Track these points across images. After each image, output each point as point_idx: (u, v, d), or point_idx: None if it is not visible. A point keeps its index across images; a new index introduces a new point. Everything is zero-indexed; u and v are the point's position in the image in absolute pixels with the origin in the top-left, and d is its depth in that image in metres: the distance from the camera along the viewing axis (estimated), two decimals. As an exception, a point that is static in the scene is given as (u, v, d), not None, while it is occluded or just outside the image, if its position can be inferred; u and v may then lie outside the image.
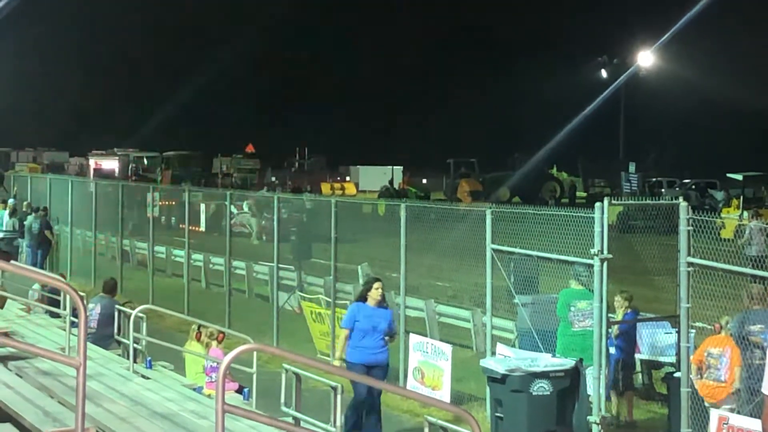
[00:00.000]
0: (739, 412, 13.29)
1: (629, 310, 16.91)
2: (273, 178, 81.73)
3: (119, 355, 16.51)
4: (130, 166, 75.44)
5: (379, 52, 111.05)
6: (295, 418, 12.24)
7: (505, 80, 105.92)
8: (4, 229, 33.48)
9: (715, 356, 14.11)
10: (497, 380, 14.71)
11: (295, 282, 26.46)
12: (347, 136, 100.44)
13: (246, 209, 44.44)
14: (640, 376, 18.31)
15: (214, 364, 15.20)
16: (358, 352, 15.24)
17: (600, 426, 14.71)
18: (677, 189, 62.34)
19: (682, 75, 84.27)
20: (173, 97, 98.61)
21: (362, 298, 15.60)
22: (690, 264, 13.52)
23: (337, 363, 15.16)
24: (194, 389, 14.64)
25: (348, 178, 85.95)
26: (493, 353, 16.66)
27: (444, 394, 17.04)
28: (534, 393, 14.48)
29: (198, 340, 16.78)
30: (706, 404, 13.88)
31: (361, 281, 25.71)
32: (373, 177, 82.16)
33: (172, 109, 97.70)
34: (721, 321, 14.32)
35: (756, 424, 11.92)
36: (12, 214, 33.67)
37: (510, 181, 70.45)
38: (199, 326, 17.01)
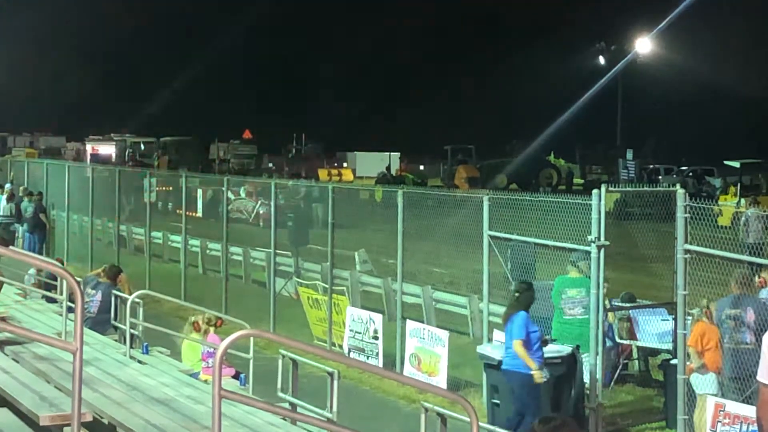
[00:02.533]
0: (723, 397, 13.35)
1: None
2: (270, 164, 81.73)
3: (116, 340, 16.50)
4: (126, 152, 75.35)
5: (377, 38, 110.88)
6: (291, 403, 12.24)
7: (502, 67, 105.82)
8: (1, 214, 33.46)
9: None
10: (494, 366, 14.74)
11: (292, 268, 26.46)
12: (345, 122, 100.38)
13: (243, 195, 44.44)
14: (636, 362, 18.33)
15: (211, 350, 15.20)
16: (537, 362, 14.43)
17: (596, 412, 14.73)
18: (674, 176, 62.31)
19: (679, 62, 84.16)
20: (170, 82, 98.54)
21: (529, 306, 14.68)
22: (687, 251, 13.52)
23: (539, 376, 14.19)
24: (191, 375, 14.65)
25: (345, 165, 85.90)
26: (490, 340, 16.67)
27: (440, 381, 17.06)
28: (531, 380, 14.48)
29: (198, 331, 16.72)
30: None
31: (358, 267, 25.74)
32: (371, 163, 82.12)
33: (169, 94, 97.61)
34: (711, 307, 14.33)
35: (751, 410, 11.93)
36: (9, 200, 33.65)
37: (507, 168, 70.42)
38: (196, 320, 16.92)
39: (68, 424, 9.61)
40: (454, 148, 74.67)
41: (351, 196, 26.64)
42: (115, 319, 17.03)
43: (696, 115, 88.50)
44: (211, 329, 16.55)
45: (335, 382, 11.58)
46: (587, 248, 14.86)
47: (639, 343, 17.79)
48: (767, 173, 52.73)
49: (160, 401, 12.01)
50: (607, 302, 16.46)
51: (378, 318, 19.56)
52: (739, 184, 49.72)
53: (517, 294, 14.56)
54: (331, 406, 11.61)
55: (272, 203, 24.56)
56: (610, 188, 15.44)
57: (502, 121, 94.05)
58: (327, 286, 21.63)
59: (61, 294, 16.15)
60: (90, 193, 31.93)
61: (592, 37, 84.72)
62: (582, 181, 73.52)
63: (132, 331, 15.13)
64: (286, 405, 12.09)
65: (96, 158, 71.49)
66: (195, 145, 79.03)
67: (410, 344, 18.26)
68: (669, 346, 16.24)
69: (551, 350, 14.87)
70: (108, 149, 77.09)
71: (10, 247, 20.86)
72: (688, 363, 13.92)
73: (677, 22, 76.75)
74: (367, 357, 19.17)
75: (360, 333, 19.65)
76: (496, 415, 14.70)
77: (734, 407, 12.77)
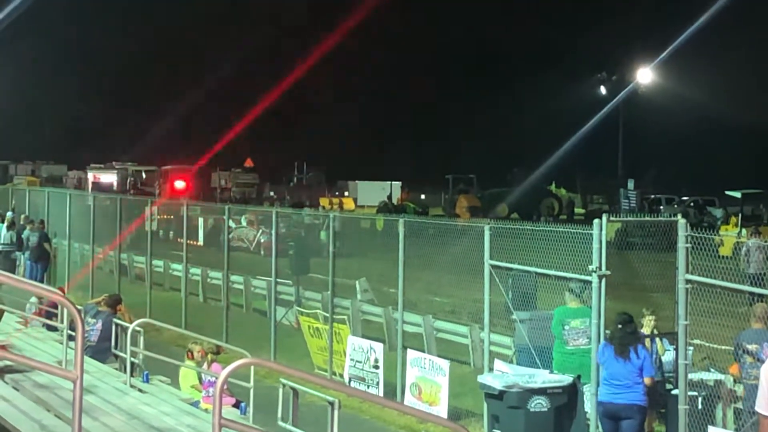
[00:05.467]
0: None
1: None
2: (272, 193, 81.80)
3: (116, 368, 16.48)
4: (128, 180, 75.36)
5: (379, 68, 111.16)
6: (291, 433, 12.20)
7: (504, 96, 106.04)
8: (2, 242, 33.42)
9: None
10: (495, 396, 14.70)
11: (293, 297, 26.44)
12: (346, 151, 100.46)
13: (244, 223, 44.43)
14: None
15: (213, 379, 15.17)
16: None
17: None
18: (676, 206, 62.38)
19: (681, 92, 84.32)
20: (172, 110, 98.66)
21: None
22: (688, 281, 13.50)
23: None
24: (191, 404, 14.61)
25: (347, 193, 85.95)
26: (491, 369, 16.64)
27: (441, 410, 17.03)
28: (531, 409, 14.46)
29: (191, 359, 16.72)
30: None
31: (359, 296, 25.71)
32: (372, 192, 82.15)
33: (171, 122, 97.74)
34: None
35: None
36: (10, 228, 33.62)
37: (509, 198, 70.47)
38: (189, 348, 16.93)
39: (68, 453, 9.59)
40: (455, 177, 74.79)
41: (352, 224, 26.62)
42: (116, 348, 17.01)
43: (697, 146, 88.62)
44: (212, 357, 16.54)
45: (336, 412, 11.54)
46: (588, 278, 14.86)
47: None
48: (768, 203, 52.82)
49: (160, 430, 11.99)
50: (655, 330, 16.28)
51: (379, 347, 19.54)
52: (740, 215, 49.74)
53: (620, 326, 14.25)
54: (332, 436, 11.57)
55: (273, 232, 24.55)
56: (612, 218, 15.44)
57: (504, 151, 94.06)
58: (328, 314, 21.61)
59: (62, 322, 16.14)
60: (91, 222, 31.94)
61: (594, 67, 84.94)
62: (583, 211, 73.61)
63: (132, 359, 15.11)
64: (286, 434, 12.06)
65: (97, 186, 71.48)
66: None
67: (411, 373, 18.24)
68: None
69: (552, 380, 14.84)
70: (109, 177, 77.04)
71: (11, 276, 20.85)
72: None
73: (678, 53, 77.00)
74: (368, 386, 19.14)
75: (361, 362, 19.62)
76: (497, 444, 14.67)
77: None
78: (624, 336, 14.18)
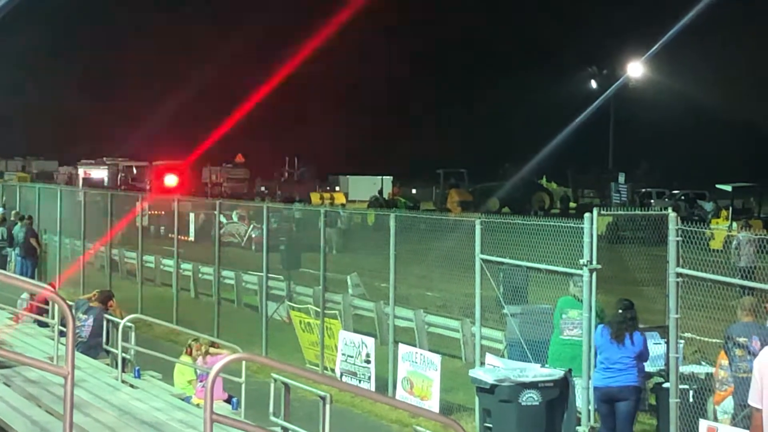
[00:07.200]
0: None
1: None
2: (263, 188, 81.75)
3: (108, 364, 16.47)
4: (119, 176, 75.30)
5: (369, 63, 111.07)
6: (283, 427, 12.21)
7: (495, 91, 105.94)
8: (-8, 237, 33.38)
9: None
10: (486, 390, 14.70)
11: (285, 292, 26.43)
12: (337, 145, 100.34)
13: (235, 219, 44.40)
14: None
15: (207, 373, 15.16)
16: None
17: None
18: (666, 200, 62.46)
19: (671, 86, 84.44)
20: (163, 106, 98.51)
21: None
22: (679, 274, 13.51)
23: None
24: (183, 399, 14.61)
25: (337, 188, 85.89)
26: (482, 363, 16.65)
27: (433, 405, 17.04)
28: (523, 403, 14.47)
29: (189, 354, 16.71)
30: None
31: (350, 291, 25.71)
32: (363, 187, 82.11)
33: (161, 118, 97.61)
34: None
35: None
36: (1, 224, 33.57)
37: (500, 192, 70.52)
38: (190, 344, 16.93)
39: (59, 449, 9.58)
40: (446, 171, 74.75)
41: (345, 220, 26.61)
42: (107, 344, 17.00)
43: (688, 139, 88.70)
44: (211, 350, 16.53)
45: (327, 406, 11.54)
46: (579, 271, 14.87)
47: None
48: (759, 197, 52.91)
49: (152, 425, 11.99)
50: None
51: (370, 342, 19.54)
52: (730, 208, 49.82)
53: (621, 311, 14.36)
54: (323, 430, 11.58)
55: (264, 227, 24.54)
56: (602, 212, 15.45)
57: (495, 145, 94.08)
58: (319, 309, 21.60)
59: (53, 318, 16.13)
60: (82, 217, 31.89)
61: (584, 61, 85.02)
62: (574, 205, 73.72)
63: (124, 355, 15.10)
64: (278, 429, 12.06)
65: (88, 182, 71.36)
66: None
67: (402, 368, 18.24)
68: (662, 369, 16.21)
69: (543, 374, 14.86)
70: (100, 173, 76.93)
71: (2, 272, 20.85)
72: (718, 390, 13.92)
73: (669, 47, 77.11)
74: (360, 381, 19.14)
75: (352, 357, 19.63)
76: (489, 438, 14.67)
77: (727, 431, 12.74)
78: (622, 321, 14.30)
